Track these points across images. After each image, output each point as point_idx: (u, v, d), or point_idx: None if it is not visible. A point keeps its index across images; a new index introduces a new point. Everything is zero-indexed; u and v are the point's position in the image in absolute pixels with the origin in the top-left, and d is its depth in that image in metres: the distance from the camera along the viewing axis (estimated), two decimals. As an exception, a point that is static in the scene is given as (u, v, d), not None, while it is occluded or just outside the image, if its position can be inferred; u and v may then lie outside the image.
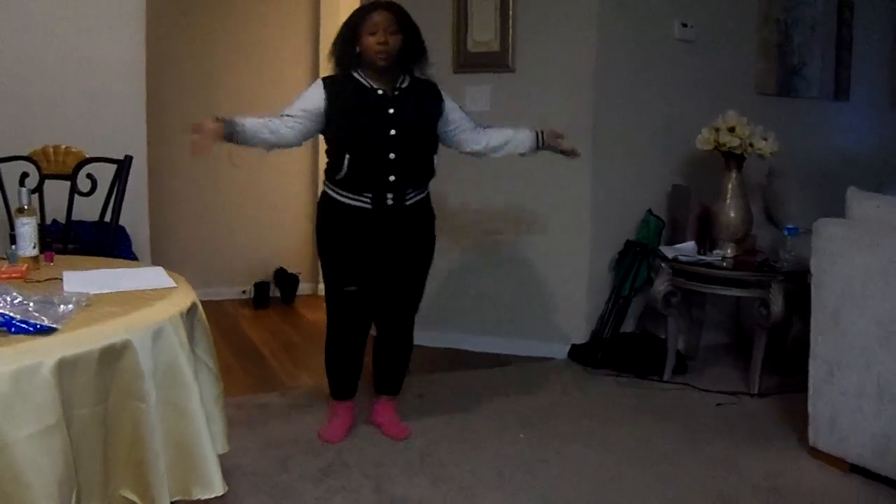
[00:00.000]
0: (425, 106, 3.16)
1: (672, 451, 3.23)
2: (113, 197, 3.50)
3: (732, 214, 4.08)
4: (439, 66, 3.34)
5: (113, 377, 1.60)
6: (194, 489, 1.75)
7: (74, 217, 3.54)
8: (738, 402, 3.83)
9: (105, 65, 4.34)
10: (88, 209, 3.61)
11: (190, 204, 5.92)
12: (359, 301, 3.21)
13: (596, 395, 3.95)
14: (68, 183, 3.48)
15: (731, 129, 3.98)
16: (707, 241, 4.26)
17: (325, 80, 3.13)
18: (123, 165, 3.51)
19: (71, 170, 3.49)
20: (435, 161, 3.17)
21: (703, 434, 3.42)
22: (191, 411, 1.74)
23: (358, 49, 3.04)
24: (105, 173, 3.49)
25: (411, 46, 3.09)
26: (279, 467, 2.99)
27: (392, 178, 3.06)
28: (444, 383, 4.02)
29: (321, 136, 3.21)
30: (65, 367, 1.47)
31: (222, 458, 1.83)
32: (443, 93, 3.23)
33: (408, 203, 3.14)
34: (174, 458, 1.72)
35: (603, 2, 4.40)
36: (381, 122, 3.04)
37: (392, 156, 3.03)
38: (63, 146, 3.62)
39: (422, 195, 3.22)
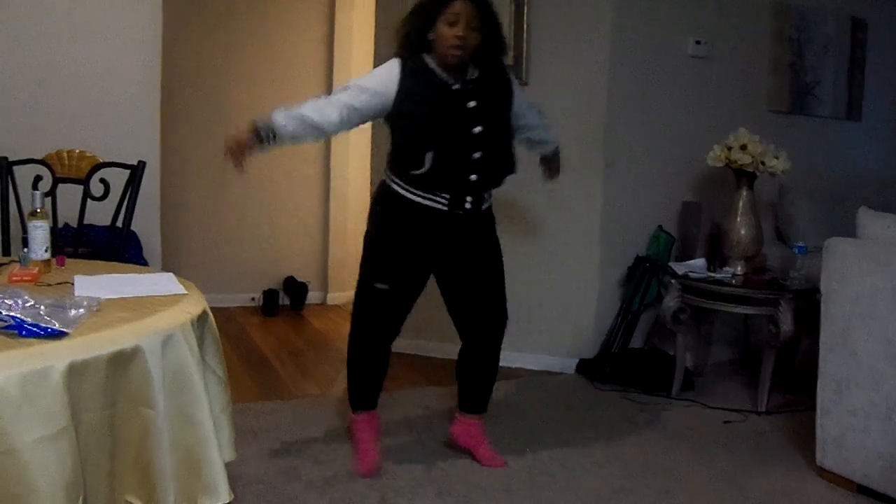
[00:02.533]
0: (500, 96, 2.96)
1: (678, 468, 3.22)
2: (125, 202, 3.51)
3: (743, 232, 4.07)
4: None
5: (122, 383, 1.61)
6: (200, 496, 1.75)
7: (87, 221, 3.56)
8: (745, 419, 3.82)
9: (120, 71, 4.37)
10: (101, 214, 3.62)
11: (200, 210, 5.94)
12: (395, 302, 3.01)
13: (603, 410, 3.94)
14: (81, 187, 3.49)
15: (743, 147, 3.98)
16: (717, 258, 4.26)
17: (402, 62, 2.86)
18: (137, 171, 3.52)
19: (84, 174, 3.51)
20: (515, 158, 3.01)
21: (710, 451, 3.40)
22: (199, 419, 1.74)
23: (431, 36, 2.80)
24: (118, 178, 3.50)
25: (490, 45, 2.87)
26: (285, 476, 2.99)
27: (474, 177, 2.88)
28: (452, 395, 4.01)
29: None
30: (74, 372, 1.48)
31: (228, 466, 1.83)
32: (511, 77, 3.03)
33: (483, 208, 3.00)
34: (181, 465, 1.72)
35: (617, 18, 4.41)
36: (464, 118, 2.84)
37: (477, 155, 2.86)
38: (77, 150, 3.63)
39: (488, 202, 3.05)
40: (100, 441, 1.58)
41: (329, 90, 6.17)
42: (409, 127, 2.88)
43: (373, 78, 2.90)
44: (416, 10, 2.86)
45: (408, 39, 2.88)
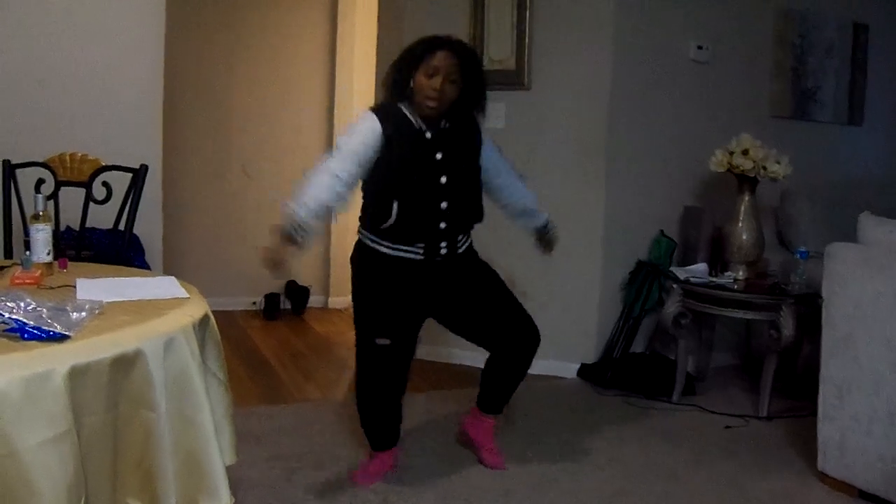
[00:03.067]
0: (467, 146, 2.92)
1: (680, 473, 3.22)
2: (127, 205, 3.52)
3: (744, 237, 4.07)
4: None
5: (124, 386, 1.61)
6: (201, 499, 1.75)
7: (89, 224, 3.57)
8: (746, 424, 3.81)
9: (123, 74, 4.38)
10: (103, 217, 3.62)
11: (202, 214, 5.94)
12: (395, 355, 2.93)
13: (604, 414, 3.93)
14: (84, 190, 3.50)
15: (745, 152, 3.98)
16: (719, 262, 4.26)
17: (376, 113, 2.82)
18: (139, 174, 3.52)
19: (87, 177, 3.51)
20: (482, 203, 3.00)
21: (711, 456, 3.40)
22: (200, 422, 1.74)
23: (411, 84, 2.76)
24: (120, 182, 3.51)
25: (469, 97, 2.82)
26: (286, 480, 2.99)
27: (443, 225, 2.85)
28: (453, 399, 4.01)
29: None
30: (76, 375, 1.47)
31: (229, 470, 1.83)
32: (481, 132, 2.98)
33: (460, 251, 2.96)
34: (182, 468, 1.72)
35: (619, 22, 4.42)
36: (431, 168, 2.82)
37: (444, 205, 2.83)
38: (79, 154, 3.64)
39: (470, 239, 3.04)
40: (101, 444, 1.58)
41: (331, 94, 6.21)
42: (377, 178, 2.81)
43: (357, 136, 2.79)
44: (402, 58, 2.83)
45: (391, 86, 2.84)
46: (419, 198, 2.81)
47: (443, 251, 2.89)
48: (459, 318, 3.07)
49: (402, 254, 2.86)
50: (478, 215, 2.99)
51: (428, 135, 2.81)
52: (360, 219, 2.94)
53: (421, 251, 2.86)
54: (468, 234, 3.03)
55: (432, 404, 3.91)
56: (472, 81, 2.80)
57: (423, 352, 4.60)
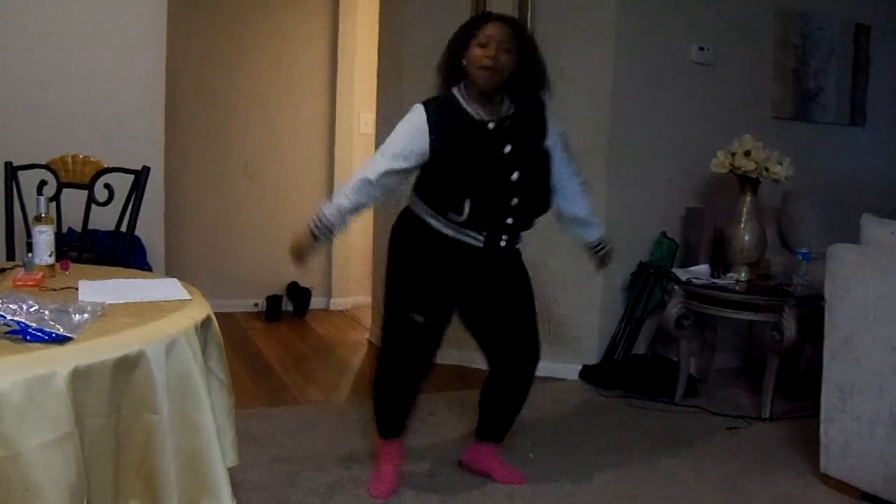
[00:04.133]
0: (536, 136, 2.78)
1: (682, 474, 3.21)
2: (129, 207, 3.52)
3: (746, 238, 4.07)
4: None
5: (126, 388, 1.61)
6: (203, 501, 1.74)
7: (91, 226, 3.57)
8: (748, 426, 3.81)
9: (125, 76, 4.38)
10: (105, 219, 3.63)
11: (204, 216, 5.95)
12: (427, 334, 2.87)
13: (607, 416, 3.93)
14: (86, 192, 3.50)
15: (747, 153, 3.98)
16: (721, 264, 4.25)
17: (426, 108, 2.71)
18: (141, 176, 3.53)
19: (88, 179, 3.52)
20: (554, 201, 2.89)
21: (713, 457, 3.40)
22: (202, 424, 1.74)
23: (464, 62, 2.68)
24: (122, 183, 3.51)
25: (526, 70, 2.71)
26: (287, 482, 2.99)
27: (510, 220, 2.74)
28: (454, 402, 4.01)
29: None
30: (78, 377, 1.48)
31: (230, 472, 1.83)
32: (549, 121, 2.82)
33: (517, 245, 2.89)
34: (184, 470, 1.72)
35: (620, 24, 4.42)
36: (500, 165, 2.69)
37: (515, 201, 2.71)
38: (81, 156, 3.64)
39: (519, 241, 2.92)
40: (104, 446, 1.58)
41: (332, 94, 6.20)
42: (445, 172, 2.72)
43: (401, 139, 2.72)
44: (452, 38, 2.75)
45: (444, 67, 2.76)
46: (491, 196, 2.71)
47: (502, 244, 2.80)
48: (478, 313, 2.98)
49: (462, 237, 2.76)
50: (544, 207, 2.86)
51: (490, 125, 2.70)
52: (424, 196, 2.79)
53: (482, 240, 2.76)
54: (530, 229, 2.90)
55: (434, 406, 3.90)
56: (528, 55, 2.71)
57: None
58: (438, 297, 2.85)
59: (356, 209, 2.78)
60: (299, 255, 2.86)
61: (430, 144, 2.68)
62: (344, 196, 2.76)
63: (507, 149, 2.70)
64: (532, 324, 2.99)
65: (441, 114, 2.71)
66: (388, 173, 2.72)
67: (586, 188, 3.04)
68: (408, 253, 2.88)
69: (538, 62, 2.75)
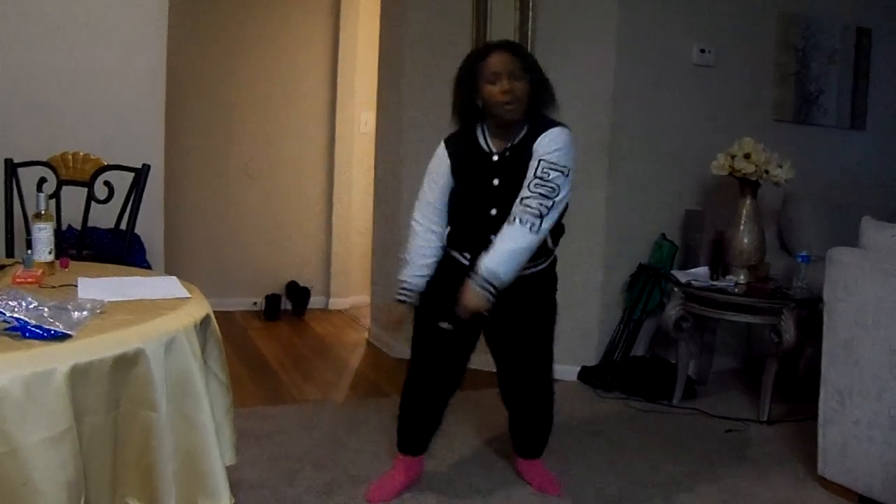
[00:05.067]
0: (526, 163, 2.67)
1: (679, 477, 3.21)
2: (129, 205, 3.52)
3: (746, 241, 4.07)
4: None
5: (125, 385, 1.61)
6: (201, 500, 1.75)
7: (90, 224, 3.57)
8: (747, 428, 3.81)
9: (126, 74, 4.38)
10: (105, 216, 3.63)
11: (204, 214, 5.95)
12: (455, 343, 2.85)
13: (605, 417, 3.93)
14: (85, 189, 3.50)
15: (747, 156, 3.98)
16: (720, 266, 4.25)
17: (447, 142, 2.80)
18: (141, 174, 3.53)
19: (88, 177, 3.52)
20: (548, 241, 2.79)
21: (711, 460, 3.40)
22: (201, 422, 1.74)
23: (480, 102, 2.67)
24: (122, 181, 3.51)
25: (537, 90, 2.68)
26: (286, 480, 2.99)
27: (493, 237, 2.63)
28: (453, 403, 4.00)
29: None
30: (77, 374, 1.48)
31: (229, 470, 1.83)
32: (543, 137, 2.67)
33: (528, 272, 2.75)
34: (182, 468, 1.72)
35: (621, 26, 4.42)
36: (484, 196, 2.71)
37: (493, 211, 2.68)
38: (81, 153, 3.64)
39: (537, 267, 2.82)
40: (102, 443, 1.58)
41: (333, 94, 6.21)
42: (453, 195, 2.82)
43: (432, 177, 2.81)
44: (459, 80, 2.73)
45: (460, 112, 2.77)
46: (469, 201, 2.76)
47: None
48: (496, 346, 2.98)
49: (456, 256, 2.80)
50: (539, 247, 2.70)
51: (495, 157, 2.70)
52: None
53: (467, 260, 2.74)
54: (539, 260, 2.80)
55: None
56: (535, 74, 2.69)
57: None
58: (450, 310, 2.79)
59: (423, 254, 2.83)
60: (400, 321, 2.93)
61: (451, 168, 2.76)
62: (406, 252, 2.86)
63: (496, 182, 2.71)
64: (533, 354, 2.97)
65: (458, 143, 2.78)
66: (438, 216, 2.81)
67: (524, 220, 2.60)
68: (438, 268, 2.88)
69: (544, 79, 2.73)
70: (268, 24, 6.02)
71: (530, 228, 2.58)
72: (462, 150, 2.76)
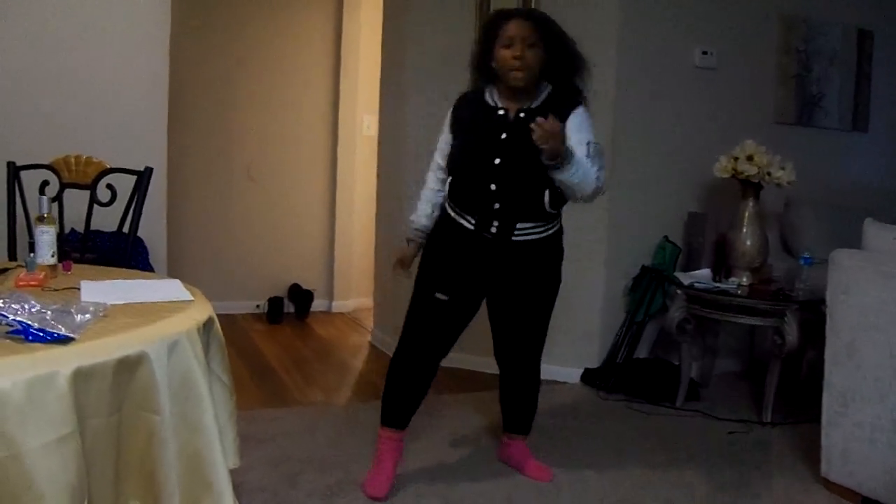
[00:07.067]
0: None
1: (682, 479, 3.21)
2: (132, 208, 3.52)
3: (748, 243, 4.07)
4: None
5: (128, 388, 1.61)
6: (204, 502, 1.75)
7: (93, 227, 3.57)
8: (750, 430, 3.81)
9: (128, 77, 4.38)
10: (107, 219, 3.62)
11: (206, 217, 5.95)
12: (449, 314, 2.92)
13: (608, 420, 3.93)
14: (88, 192, 3.50)
15: (750, 158, 3.98)
16: (723, 268, 4.25)
17: (458, 99, 2.95)
18: (143, 177, 3.53)
19: (91, 180, 3.51)
20: (546, 198, 2.77)
21: (714, 462, 3.40)
22: (204, 425, 1.74)
23: (493, 63, 2.75)
24: (125, 184, 3.51)
25: (557, 59, 2.76)
26: (288, 483, 2.99)
27: (497, 206, 2.76)
28: (455, 404, 4.01)
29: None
30: (80, 377, 1.48)
31: (231, 473, 1.83)
32: (575, 113, 2.76)
33: (517, 238, 2.81)
34: (185, 471, 1.72)
35: (623, 28, 4.42)
36: (488, 147, 2.76)
37: (493, 186, 2.75)
38: (84, 156, 3.64)
39: (541, 234, 2.86)
40: (105, 446, 1.58)
41: (335, 96, 6.21)
42: (451, 154, 2.91)
43: (441, 139, 2.97)
44: (478, 40, 2.84)
45: (476, 67, 2.89)
46: (469, 176, 2.82)
47: (493, 230, 2.80)
48: (496, 309, 3.05)
49: (460, 219, 2.86)
50: (538, 208, 2.79)
51: (501, 112, 2.80)
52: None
53: (473, 223, 2.82)
54: (542, 225, 2.85)
55: (437, 408, 3.90)
56: (556, 45, 2.76)
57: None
58: (455, 278, 2.90)
59: (434, 213, 2.99)
60: (403, 262, 3.06)
61: (451, 127, 2.91)
62: (421, 199, 3.02)
63: (503, 135, 2.76)
64: (534, 323, 3.04)
65: (467, 101, 2.91)
66: (441, 180, 2.96)
67: (598, 165, 2.74)
68: (432, 237, 3.00)
69: (567, 48, 2.80)
70: (270, 26, 6.02)
71: (596, 179, 2.72)
72: (467, 106, 2.89)
